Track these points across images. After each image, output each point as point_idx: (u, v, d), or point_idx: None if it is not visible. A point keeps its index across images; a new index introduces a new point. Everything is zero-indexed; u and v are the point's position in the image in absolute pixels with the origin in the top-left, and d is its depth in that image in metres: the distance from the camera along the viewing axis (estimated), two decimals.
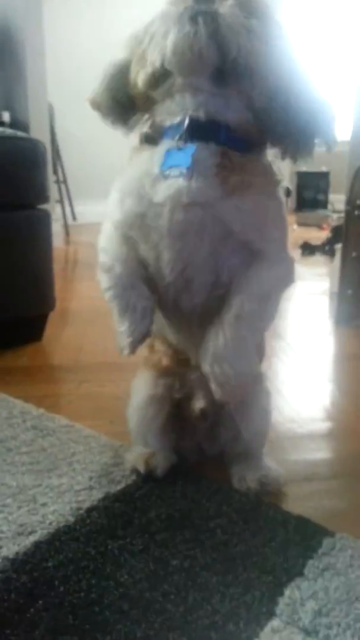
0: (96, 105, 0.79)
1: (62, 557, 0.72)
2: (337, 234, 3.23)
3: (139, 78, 0.72)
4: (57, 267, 3.01)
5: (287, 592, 0.66)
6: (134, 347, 0.78)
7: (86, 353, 1.58)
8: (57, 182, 4.12)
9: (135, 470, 0.89)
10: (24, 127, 3.19)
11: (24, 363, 1.48)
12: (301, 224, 4.75)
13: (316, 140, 0.73)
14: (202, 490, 0.86)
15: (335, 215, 5.17)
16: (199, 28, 0.66)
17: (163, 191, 0.71)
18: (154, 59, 0.70)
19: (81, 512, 0.80)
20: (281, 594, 0.66)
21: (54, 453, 0.96)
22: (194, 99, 0.71)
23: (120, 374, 1.33)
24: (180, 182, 0.70)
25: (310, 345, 1.72)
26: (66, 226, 4.09)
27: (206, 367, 0.74)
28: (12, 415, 1.10)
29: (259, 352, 0.88)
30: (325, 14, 5.22)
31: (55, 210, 3.81)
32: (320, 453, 1.04)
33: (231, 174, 0.70)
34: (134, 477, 0.89)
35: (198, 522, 0.78)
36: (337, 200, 5.27)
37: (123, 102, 0.77)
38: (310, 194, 5.56)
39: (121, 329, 0.77)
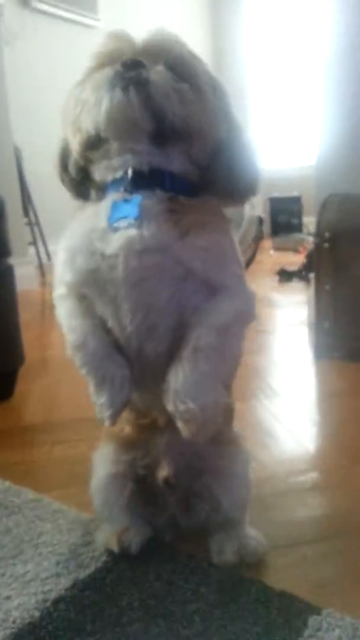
0: (59, 177, 0.79)
1: None
2: (312, 260, 3.22)
3: (74, 144, 0.72)
4: (31, 312, 2.99)
5: None
6: (115, 417, 0.74)
7: (59, 408, 1.52)
8: (30, 224, 4.09)
9: (108, 551, 0.83)
10: None
11: None
12: (277, 248, 4.76)
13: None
14: (178, 570, 0.80)
15: (310, 238, 5.22)
16: (131, 97, 0.65)
17: (114, 242, 0.69)
18: (87, 127, 0.69)
19: (47, 604, 0.74)
20: None
21: (20, 535, 0.90)
22: (134, 158, 0.71)
23: (93, 431, 1.25)
24: (131, 231, 0.68)
25: (291, 384, 1.68)
26: (41, 267, 4.04)
27: (169, 406, 0.71)
28: None
29: (228, 411, 0.83)
30: (289, 39, 5.33)
31: (28, 253, 3.77)
32: (305, 511, 0.98)
33: (183, 216, 0.70)
34: (104, 558, 0.82)
35: (174, 609, 0.72)
36: (311, 223, 5.31)
37: (77, 176, 0.77)
38: (284, 218, 5.60)
39: (100, 401, 0.73)
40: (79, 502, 0.99)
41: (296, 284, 3.36)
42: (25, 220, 3.94)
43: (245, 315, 0.75)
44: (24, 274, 2.68)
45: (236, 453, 0.84)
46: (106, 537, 0.84)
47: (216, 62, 5.71)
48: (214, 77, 0.73)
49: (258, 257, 3.70)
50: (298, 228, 5.56)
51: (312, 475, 1.11)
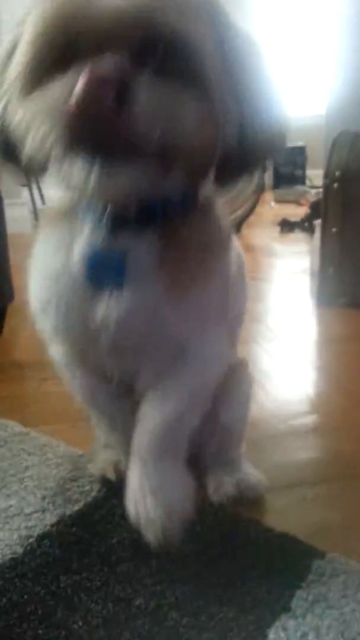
0: None
1: (4, 600, 0.60)
2: (316, 210, 3.12)
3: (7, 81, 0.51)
4: (23, 254, 2.88)
5: (271, 634, 0.56)
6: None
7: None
8: None
9: (99, 485, 0.78)
10: None
11: None
12: (279, 200, 4.62)
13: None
14: None
15: (313, 191, 5.08)
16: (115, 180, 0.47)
17: (96, 310, 0.57)
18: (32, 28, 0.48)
19: (31, 540, 0.69)
20: (264, 636, 0.55)
21: (4, 468, 0.84)
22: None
23: None
24: (116, 302, 0.56)
25: (291, 329, 1.62)
26: (35, 211, 3.92)
27: (131, 511, 0.62)
28: None
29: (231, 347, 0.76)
30: None
31: (22, 194, 3.64)
32: (305, 453, 0.93)
33: (175, 265, 0.57)
34: (93, 493, 0.77)
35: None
36: (315, 175, 5.16)
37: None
38: (287, 170, 5.43)
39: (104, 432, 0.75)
40: (68, 437, 0.94)
41: (298, 235, 3.26)
42: None
43: (209, 384, 0.66)
44: (17, 216, 2.57)
45: (239, 373, 0.78)
46: (102, 467, 0.80)
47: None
48: (238, 45, 0.51)
49: (258, 209, 3.58)
50: (301, 180, 5.41)
51: (312, 418, 1.05)
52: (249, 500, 0.78)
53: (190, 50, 0.46)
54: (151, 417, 0.63)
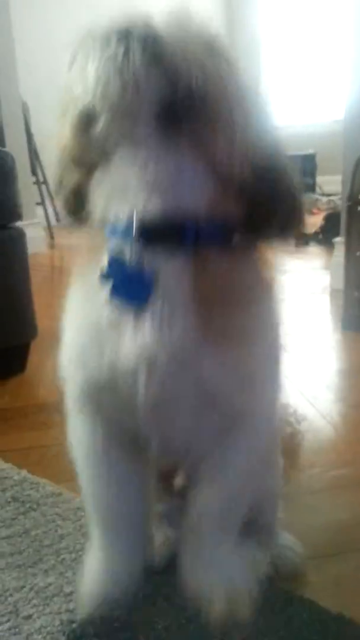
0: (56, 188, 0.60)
1: None
2: (331, 222, 3.08)
3: (64, 134, 0.51)
4: (40, 276, 2.87)
5: None
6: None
7: None
8: (37, 183, 3.93)
9: None
10: None
11: (5, 404, 1.33)
12: None
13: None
14: None
15: (324, 199, 5.04)
16: (132, 45, 0.46)
17: (128, 351, 0.52)
18: (76, 100, 0.49)
19: (74, 626, 0.66)
20: None
21: (39, 537, 0.81)
22: (137, 177, 0.49)
23: None
24: (147, 335, 0.51)
25: (316, 356, 1.58)
26: (49, 229, 3.91)
27: (189, 589, 0.61)
28: None
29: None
30: None
31: (36, 213, 3.63)
32: (348, 512, 0.89)
33: (214, 306, 0.52)
34: None
35: (217, 634, 0.64)
36: (325, 182, 5.13)
37: (74, 190, 0.57)
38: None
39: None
40: None
41: (313, 248, 3.23)
42: (33, 179, 3.79)
43: (265, 448, 0.63)
44: (31, 236, 2.55)
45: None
46: None
47: (227, 8, 5.42)
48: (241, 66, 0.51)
49: None
50: (312, 188, 5.37)
51: (353, 469, 1.01)
52: (290, 576, 0.73)
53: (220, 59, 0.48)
54: (208, 497, 0.60)
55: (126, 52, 0.46)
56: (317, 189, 5.36)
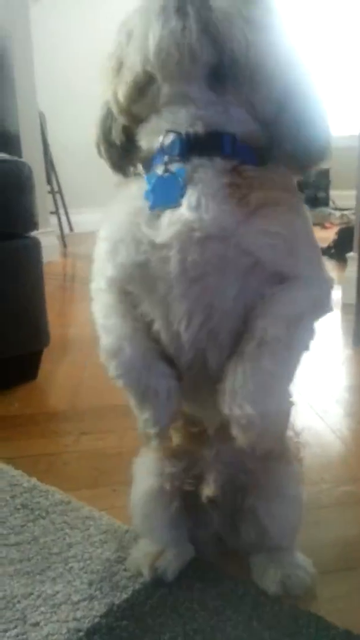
0: (97, 148, 0.67)
1: None
2: (344, 237, 3.08)
3: (120, 92, 0.59)
4: (53, 284, 2.90)
5: None
6: (162, 435, 0.64)
7: (85, 393, 1.43)
8: (52, 192, 3.98)
9: (140, 574, 0.74)
10: (15, 139, 3.05)
11: (16, 411, 1.34)
12: None
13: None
14: (224, 596, 0.71)
15: (338, 213, 5.04)
16: (189, 20, 0.52)
17: (166, 229, 0.56)
18: (134, 63, 0.56)
19: (81, 635, 0.66)
20: None
21: (48, 545, 0.81)
22: (187, 112, 0.57)
23: (122, 420, 1.19)
24: (187, 214, 0.55)
25: (329, 370, 1.58)
26: (62, 237, 3.94)
27: (225, 409, 0.59)
28: None
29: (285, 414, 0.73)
30: (334, 6, 5.05)
31: (50, 222, 3.67)
32: (357, 528, 0.89)
33: (247, 192, 0.57)
34: (141, 579, 0.74)
35: None
36: (338, 196, 5.12)
37: (117, 146, 0.64)
38: (310, 192, 5.40)
39: (144, 417, 0.63)
40: (110, 505, 0.92)
41: (326, 262, 3.21)
42: (48, 188, 3.83)
43: (320, 306, 0.62)
44: (45, 245, 2.57)
45: (288, 471, 0.74)
46: (139, 559, 0.75)
47: None
48: (282, 13, 0.59)
49: None
50: (325, 202, 5.38)
51: (358, 485, 1.01)
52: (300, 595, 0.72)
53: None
54: (274, 303, 0.58)
55: (183, 28, 0.53)
56: (331, 203, 5.37)
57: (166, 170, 0.58)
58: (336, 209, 5.25)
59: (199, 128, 0.57)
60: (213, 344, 0.60)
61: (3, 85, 3.02)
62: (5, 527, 0.86)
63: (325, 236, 3.55)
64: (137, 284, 0.60)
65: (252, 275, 0.58)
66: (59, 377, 1.56)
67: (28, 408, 1.36)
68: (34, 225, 1.43)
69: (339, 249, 3.11)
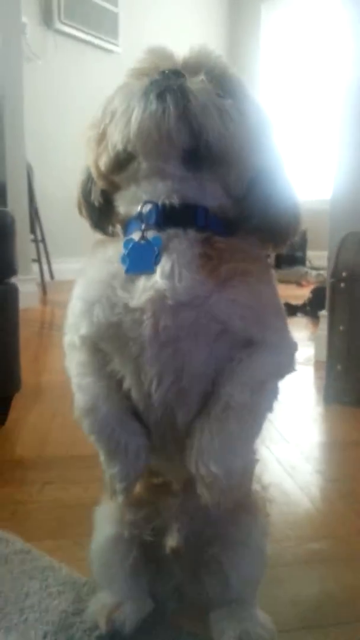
0: (78, 209, 0.71)
1: None
2: (318, 295, 3.16)
3: (101, 162, 0.63)
4: (30, 331, 2.90)
5: None
6: (128, 490, 0.65)
7: (54, 442, 1.42)
8: (35, 241, 4.03)
9: (97, 626, 0.73)
10: (1, 187, 3.11)
11: None
12: (280, 281, 4.61)
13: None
14: None
15: (313, 272, 5.17)
16: (168, 106, 0.57)
17: (141, 294, 0.59)
18: (115, 141, 0.60)
19: None
20: None
21: (4, 594, 0.79)
22: (164, 185, 0.61)
23: (88, 471, 1.18)
24: (160, 282, 0.58)
25: (299, 429, 1.59)
26: (43, 285, 3.97)
27: (192, 467, 0.61)
28: None
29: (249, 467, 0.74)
30: (306, 74, 5.33)
31: (32, 270, 3.70)
32: (321, 586, 0.88)
33: (219, 262, 0.60)
34: (97, 632, 0.72)
35: None
36: (315, 257, 5.27)
37: (97, 208, 0.68)
38: (288, 251, 5.55)
39: (112, 472, 0.64)
40: (70, 557, 0.90)
41: (300, 319, 3.29)
42: (31, 236, 3.88)
43: (284, 369, 0.65)
44: (25, 292, 2.59)
45: (252, 523, 0.74)
46: (96, 611, 0.74)
47: None
48: (256, 101, 0.65)
49: None
50: (302, 261, 5.52)
51: (327, 542, 1.01)
52: None
53: (234, 86, 0.62)
54: (241, 369, 0.61)
55: (163, 113, 0.57)
56: (307, 263, 5.51)
57: (143, 238, 0.61)
58: (312, 268, 5.39)
59: (175, 200, 0.61)
60: (182, 403, 0.62)
61: None
62: None
63: (301, 294, 3.64)
64: (109, 343, 0.62)
65: (222, 340, 0.60)
66: (28, 425, 1.54)
67: None
68: (12, 272, 1.45)
69: (314, 307, 3.19)
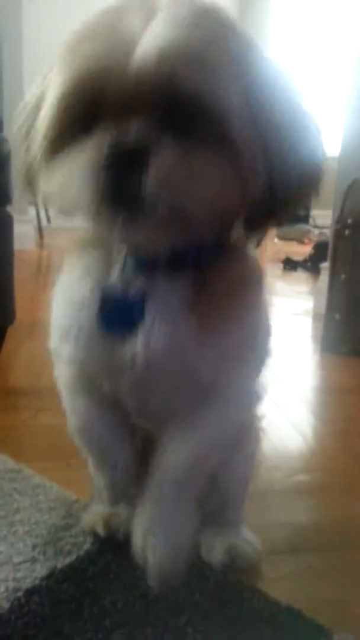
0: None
1: None
2: (320, 251, 3.13)
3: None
4: (27, 272, 2.86)
5: None
6: (112, 502, 0.72)
7: (47, 374, 1.39)
8: None
9: (92, 538, 0.73)
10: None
11: None
12: (282, 237, 4.64)
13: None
14: None
15: (316, 231, 5.11)
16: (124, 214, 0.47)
17: (122, 349, 0.56)
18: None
19: (19, 594, 0.64)
20: None
21: None
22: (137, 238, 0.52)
23: None
24: (138, 342, 0.55)
25: (294, 373, 1.58)
26: (40, 229, 3.90)
27: (137, 548, 0.61)
28: None
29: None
30: (315, 22, 5.14)
31: (28, 211, 3.63)
32: (308, 514, 0.89)
33: (207, 307, 0.55)
34: (87, 546, 0.72)
35: (163, 615, 0.63)
36: (318, 215, 5.20)
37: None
38: None
39: (100, 482, 0.72)
40: (62, 478, 0.90)
41: (300, 274, 3.26)
42: None
43: (237, 421, 0.65)
44: (22, 233, 2.55)
45: (248, 431, 0.73)
46: (93, 518, 0.75)
47: None
48: (281, 73, 0.51)
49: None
50: (305, 219, 5.45)
51: (316, 475, 1.01)
52: (244, 568, 0.72)
53: (216, 112, 0.46)
54: (174, 456, 0.61)
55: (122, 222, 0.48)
56: (311, 221, 5.45)
57: (123, 290, 0.55)
58: (315, 226, 5.33)
59: (158, 250, 0.54)
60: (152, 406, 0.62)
61: None
62: None
63: (303, 251, 3.61)
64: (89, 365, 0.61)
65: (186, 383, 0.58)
66: (22, 356, 1.53)
67: None
68: (7, 200, 1.41)
69: (314, 262, 3.15)
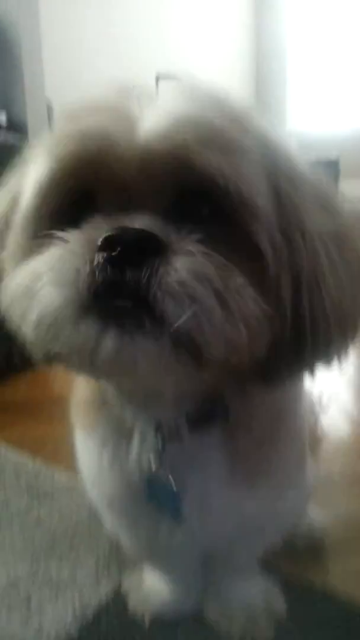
0: None
1: None
2: None
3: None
4: None
5: None
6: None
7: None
8: None
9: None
10: (21, 128, 3.03)
11: (22, 395, 1.32)
12: None
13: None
14: None
15: None
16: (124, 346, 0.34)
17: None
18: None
19: (87, 619, 0.63)
20: None
21: (53, 526, 0.79)
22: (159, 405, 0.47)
23: None
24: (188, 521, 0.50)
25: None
26: None
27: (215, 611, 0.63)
28: (3, 470, 0.94)
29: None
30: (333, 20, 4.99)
31: None
32: None
33: (244, 459, 0.49)
34: None
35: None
36: (347, 186, 5.07)
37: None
38: None
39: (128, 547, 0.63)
40: None
41: None
42: None
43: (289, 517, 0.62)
44: None
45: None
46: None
47: (254, 12, 5.41)
48: (313, 178, 0.43)
49: None
50: None
51: None
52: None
53: (242, 203, 0.36)
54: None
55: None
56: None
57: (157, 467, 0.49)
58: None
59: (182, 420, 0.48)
60: None
61: (12, 76, 3.00)
62: (9, 509, 0.84)
63: None
64: None
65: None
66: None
67: (34, 391, 1.33)
68: None
69: None
